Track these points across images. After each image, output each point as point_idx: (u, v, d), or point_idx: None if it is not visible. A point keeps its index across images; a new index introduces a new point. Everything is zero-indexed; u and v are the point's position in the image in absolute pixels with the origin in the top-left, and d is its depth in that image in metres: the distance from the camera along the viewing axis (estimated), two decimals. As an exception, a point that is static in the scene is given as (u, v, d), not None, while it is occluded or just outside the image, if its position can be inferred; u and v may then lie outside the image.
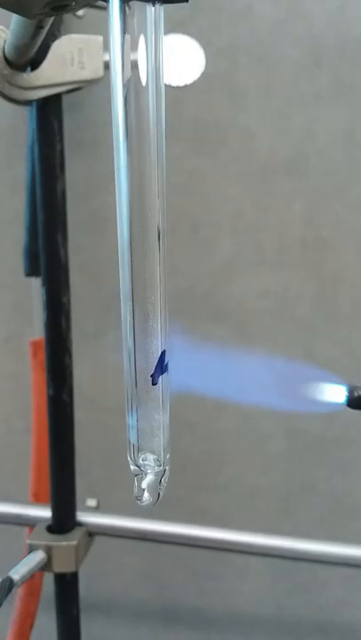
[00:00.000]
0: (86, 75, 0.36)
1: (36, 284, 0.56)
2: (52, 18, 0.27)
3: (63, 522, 0.44)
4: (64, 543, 0.42)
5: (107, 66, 0.37)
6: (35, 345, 0.55)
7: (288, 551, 0.44)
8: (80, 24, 0.42)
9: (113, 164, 0.62)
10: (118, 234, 0.17)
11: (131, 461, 0.19)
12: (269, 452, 0.64)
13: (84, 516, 0.45)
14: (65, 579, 0.44)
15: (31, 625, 0.54)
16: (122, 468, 0.74)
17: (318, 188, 0.57)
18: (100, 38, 0.36)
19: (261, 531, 0.49)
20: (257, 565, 0.69)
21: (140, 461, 0.19)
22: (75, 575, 0.45)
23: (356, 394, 0.22)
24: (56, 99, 0.37)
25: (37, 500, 0.54)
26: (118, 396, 0.74)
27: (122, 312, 0.18)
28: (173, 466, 0.71)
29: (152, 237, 0.17)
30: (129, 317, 0.18)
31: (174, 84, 0.37)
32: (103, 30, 0.45)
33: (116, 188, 0.17)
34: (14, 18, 0.29)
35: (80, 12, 0.41)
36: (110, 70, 0.16)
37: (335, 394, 0.23)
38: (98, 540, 0.47)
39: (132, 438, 0.19)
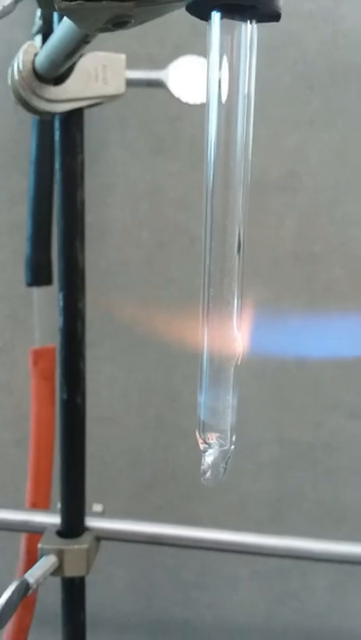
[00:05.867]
0: (109, 90, 0.38)
1: (38, 293, 0.57)
2: (98, 34, 0.28)
3: (73, 526, 0.44)
4: (76, 547, 0.42)
5: (129, 83, 0.39)
6: (35, 353, 0.56)
7: (293, 550, 0.45)
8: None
9: (110, 179, 0.63)
10: (203, 244, 0.19)
11: (199, 438, 0.20)
12: (261, 459, 0.66)
13: (92, 521, 0.45)
14: (73, 583, 0.44)
15: None
16: (112, 479, 0.74)
17: (310, 206, 0.60)
18: (124, 56, 0.38)
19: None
20: (245, 574, 0.71)
21: (209, 440, 0.20)
22: (83, 580, 0.45)
23: None
24: (78, 112, 0.39)
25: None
26: (111, 407, 0.74)
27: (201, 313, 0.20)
28: (165, 474, 0.71)
29: (233, 250, 0.19)
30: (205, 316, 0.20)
31: (191, 101, 0.40)
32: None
33: (204, 202, 0.19)
34: (58, 33, 0.30)
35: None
36: (207, 88, 0.18)
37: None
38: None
39: (202, 416, 0.20)
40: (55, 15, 0.38)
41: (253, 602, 0.71)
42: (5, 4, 0.22)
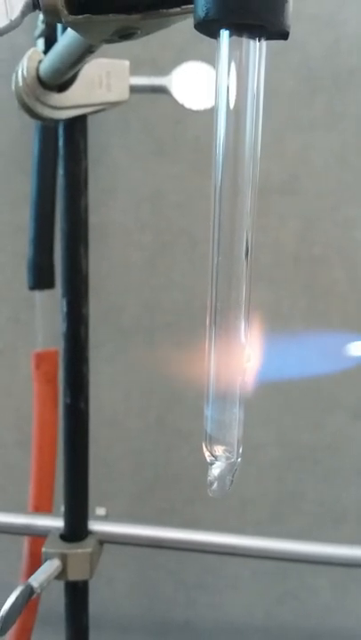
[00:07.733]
0: (113, 97, 0.38)
1: (40, 296, 0.57)
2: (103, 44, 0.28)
3: (77, 530, 0.44)
4: (79, 551, 0.43)
5: (132, 89, 0.39)
6: (38, 357, 0.56)
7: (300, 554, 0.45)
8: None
9: (112, 182, 0.63)
10: (211, 248, 0.19)
11: (206, 451, 0.21)
12: (262, 461, 0.66)
13: (95, 525, 0.45)
14: (77, 587, 0.45)
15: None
16: (114, 482, 0.74)
17: (311, 209, 0.60)
18: (127, 63, 0.38)
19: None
20: (246, 574, 0.71)
21: (216, 452, 0.21)
22: (86, 584, 0.45)
23: None
24: (82, 119, 0.39)
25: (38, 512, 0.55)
26: (112, 409, 0.74)
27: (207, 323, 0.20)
28: (168, 477, 0.71)
29: (241, 254, 0.19)
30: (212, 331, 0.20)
31: (195, 107, 0.40)
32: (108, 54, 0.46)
33: (212, 207, 0.19)
34: (62, 42, 0.30)
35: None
36: (216, 98, 0.18)
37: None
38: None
39: (208, 429, 0.20)
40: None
41: (254, 602, 0.71)
42: (13, 18, 0.22)
